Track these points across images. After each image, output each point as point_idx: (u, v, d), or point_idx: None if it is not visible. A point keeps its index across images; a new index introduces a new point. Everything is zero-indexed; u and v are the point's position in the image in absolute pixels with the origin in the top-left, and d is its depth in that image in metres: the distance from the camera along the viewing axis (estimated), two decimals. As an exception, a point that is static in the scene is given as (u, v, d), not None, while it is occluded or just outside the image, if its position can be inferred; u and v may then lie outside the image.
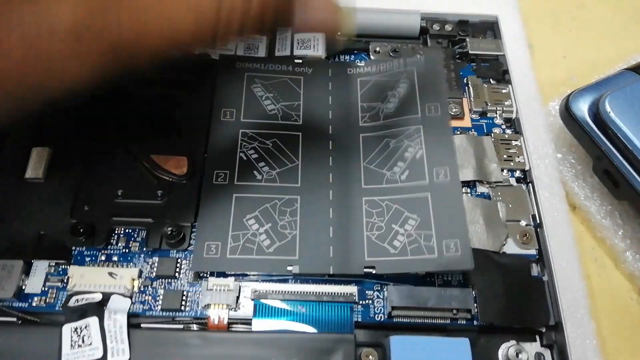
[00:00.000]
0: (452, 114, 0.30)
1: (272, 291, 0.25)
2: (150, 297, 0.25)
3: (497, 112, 0.31)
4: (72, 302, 0.24)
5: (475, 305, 0.25)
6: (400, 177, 0.27)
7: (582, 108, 0.29)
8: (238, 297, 0.25)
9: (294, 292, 0.25)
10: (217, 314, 0.24)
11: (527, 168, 0.29)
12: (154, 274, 0.25)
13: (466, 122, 0.31)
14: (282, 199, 0.26)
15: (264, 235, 0.25)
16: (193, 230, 0.26)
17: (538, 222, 0.28)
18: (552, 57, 0.37)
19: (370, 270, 0.25)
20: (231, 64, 0.31)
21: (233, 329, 0.25)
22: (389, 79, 0.30)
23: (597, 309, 0.28)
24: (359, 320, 0.25)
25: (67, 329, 0.23)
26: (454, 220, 0.25)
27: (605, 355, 0.26)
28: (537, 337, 0.26)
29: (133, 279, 0.25)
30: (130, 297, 0.25)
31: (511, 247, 0.27)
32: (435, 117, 0.28)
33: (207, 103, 0.29)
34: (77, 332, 0.23)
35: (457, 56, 0.33)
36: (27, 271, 0.25)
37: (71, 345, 0.23)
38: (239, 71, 0.30)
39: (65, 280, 0.25)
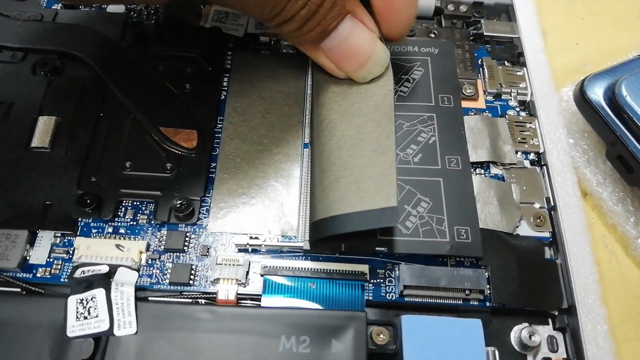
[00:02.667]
0: (467, 94, 0.30)
1: (282, 267, 0.24)
2: (158, 271, 0.24)
3: (512, 94, 0.30)
4: (78, 274, 0.24)
5: (488, 286, 0.25)
6: (413, 158, 0.27)
7: (597, 92, 0.29)
8: (247, 273, 0.24)
9: (305, 268, 0.25)
10: (226, 289, 0.24)
11: (541, 150, 0.29)
12: (162, 247, 0.25)
13: (480, 104, 0.30)
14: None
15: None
16: (202, 204, 0.25)
17: (552, 204, 0.27)
18: (564, 44, 0.37)
19: (383, 249, 0.25)
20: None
21: (242, 305, 0.24)
22: (402, 62, 0.30)
23: (608, 295, 0.28)
24: (370, 298, 0.24)
25: (72, 301, 0.23)
26: (465, 208, 0.26)
27: (615, 342, 0.26)
28: (550, 320, 0.25)
29: (141, 252, 0.25)
30: (138, 270, 0.24)
31: (525, 229, 0.27)
32: (449, 107, 0.29)
33: (217, 77, 0.29)
34: (83, 304, 0.23)
35: (472, 37, 0.33)
36: (32, 241, 0.25)
37: (77, 317, 0.22)
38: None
39: (70, 252, 0.25)
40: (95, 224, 0.25)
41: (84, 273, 0.24)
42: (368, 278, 0.25)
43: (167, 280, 0.24)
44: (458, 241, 0.25)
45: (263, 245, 0.25)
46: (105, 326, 0.22)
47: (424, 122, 0.28)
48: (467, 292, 0.24)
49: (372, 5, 0.25)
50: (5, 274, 0.24)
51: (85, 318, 0.22)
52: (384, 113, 0.24)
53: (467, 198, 0.26)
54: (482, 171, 0.28)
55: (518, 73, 0.31)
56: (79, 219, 0.25)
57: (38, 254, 0.25)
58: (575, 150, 0.31)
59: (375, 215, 0.21)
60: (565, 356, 0.25)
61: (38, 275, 0.24)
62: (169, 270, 0.24)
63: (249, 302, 0.24)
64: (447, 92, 0.29)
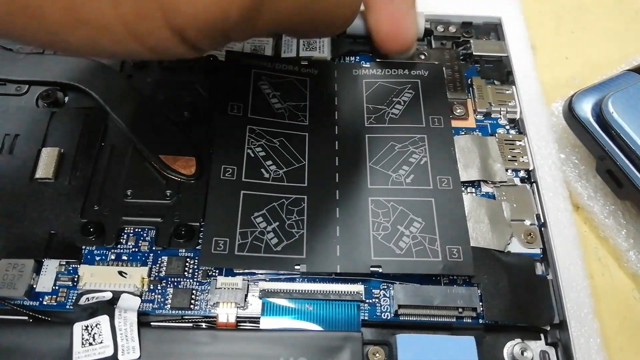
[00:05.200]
0: (457, 114, 0.31)
1: (280, 290, 0.25)
2: (159, 296, 0.25)
3: (501, 112, 0.31)
4: (82, 301, 0.24)
5: (480, 303, 0.25)
6: (405, 179, 0.28)
7: (585, 108, 0.30)
8: (246, 296, 0.25)
9: (302, 290, 0.25)
10: (226, 313, 0.25)
11: (531, 168, 0.29)
12: (163, 272, 0.26)
13: (470, 123, 0.31)
14: (289, 198, 0.27)
15: (271, 233, 0.26)
16: (201, 229, 0.26)
17: (542, 221, 0.28)
18: (554, 59, 0.38)
19: (377, 269, 0.25)
20: (238, 60, 0.31)
21: (241, 327, 0.25)
22: (393, 85, 0.31)
23: (601, 308, 0.28)
24: (366, 318, 0.25)
25: (77, 328, 0.23)
26: (457, 228, 0.26)
27: (609, 354, 0.26)
28: (542, 336, 0.26)
29: (143, 278, 0.25)
30: (140, 296, 0.25)
31: (516, 246, 0.27)
32: (439, 128, 0.29)
33: (215, 104, 0.30)
34: (87, 331, 0.23)
35: (461, 57, 0.33)
36: (37, 270, 0.26)
37: (82, 343, 0.23)
38: (245, 67, 0.31)
39: (75, 279, 0.25)
40: (98, 252, 0.26)
41: (88, 300, 0.24)
42: (363, 298, 0.25)
43: (169, 305, 0.25)
44: (450, 260, 0.25)
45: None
46: (109, 352, 0.23)
47: (416, 143, 0.29)
48: (460, 310, 0.25)
49: (378, 30, 0.26)
50: (12, 302, 0.25)
51: (91, 344, 0.23)
52: None
53: (458, 217, 0.27)
54: (473, 190, 0.29)
55: (507, 92, 0.32)
56: (83, 247, 0.26)
57: (44, 282, 0.25)
58: (566, 165, 0.32)
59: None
60: (557, 371, 0.25)
61: (44, 302, 0.25)
62: (170, 295, 0.25)
63: (248, 324, 0.25)
64: (437, 113, 0.30)
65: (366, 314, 0.25)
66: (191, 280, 0.26)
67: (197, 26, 0.16)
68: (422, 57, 0.32)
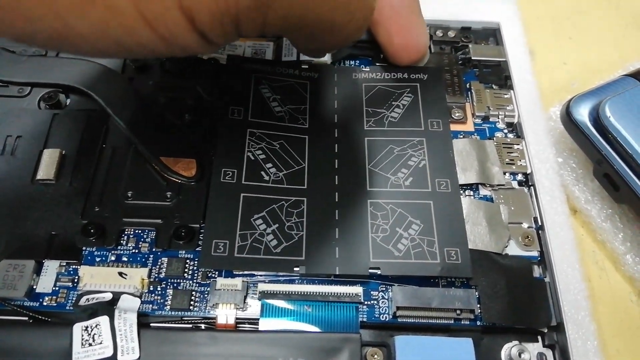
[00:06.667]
0: (455, 118, 0.31)
1: (279, 291, 0.25)
2: (159, 297, 0.25)
3: (499, 116, 0.31)
4: (82, 302, 0.25)
5: (478, 305, 0.25)
6: (404, 182, 0.28)
7: (582, 113, 0.30)
8: (245, 297, 0.25)
9: (301, 292, 0.25)
10: (225, 314, 0.25)
11: (528, 171, 0.29)
12: (163, 274, 0.26)
13: (469, 126, 0.31)
14: (289, 201, 0.27)
15: (271, 235, 0.26)
16: (201, 231, 0.26)
17: (539, 224, 0.28)
18: (552, 64, 0.38)
19: (376, 271, 0.25)
20: (238, 64, 0.31)
21: (240, 329, 0.25)
22: (393, 89, 0.31)
23: (598, 311, 0.28)
24: (365, 320, 0.25)
25: (77, 328, 0.24)
26: (455, 230, 0.26)
27: (606, 357, 0.26)
28: (539, 338, 0.26)
29: (143, 279, 0.25)
30: (140, 297, 0.25)
31: (513, 249, 0.27)
32: (438, 131, 0.30)
33: (215, 107, 0.30)
34: (87, 331, 0.24)
35: (460, 62, 0.34)
36: (38, 271, 0.26)
37: (82, 343, 0.23)
38: (246, 72, 0.31)
39: (75, 280, 0.26)
40: (98, 253, 0.26)
41: (88, 301, 0.25)
42: (362, 300, 0.26)
43: (168, 306, 0.25)
44: (448, 262, 0.26)
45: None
46: (109, 352, 0.23)
47: (414, 146, 0.29)
48: (458, 311, 0.25)
49: (390, 44, 0.26)
50: (12, 302, 0.25)
51: (90, 345, 0.23)
52: None
53: (456, 220, 0.27)
54: (471, 193, 0.29)
55: (505, 96, 0.32)
56: (83, 248, 0.26)
57: (44, 283, 0.26)
58: (563, 169, 0.32)
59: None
60: (554, 373, 0.25)
61: (44, 303, 0.25)
62: (170, 297, 0.25)
63: (247, 325, 0.25)
64: (436, 116, 0.30)
65: (365, 316, 0.25)
66: (191, 282, 0.26)
67: (208, 8, 0.16)
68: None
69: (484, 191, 0.29)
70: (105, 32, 0.15)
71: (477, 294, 0.26)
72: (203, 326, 0.25)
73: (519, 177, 0.30)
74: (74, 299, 0.25)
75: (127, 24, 0.15)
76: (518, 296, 0.26)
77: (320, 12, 0.19)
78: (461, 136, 0.31)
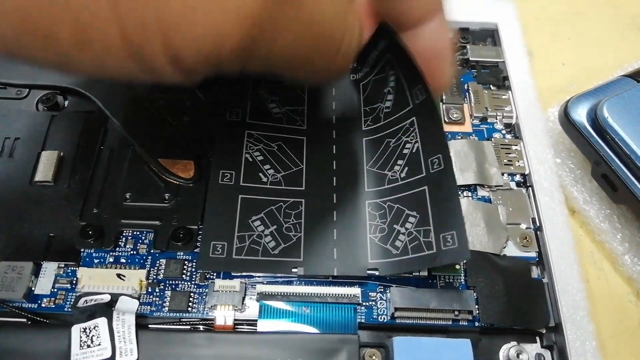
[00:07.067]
0: (453, 119, 0.31)
1: (277, 293, 0.25)
2: (157, 299, 0.25)
3: (497, 117, 0.31)
4: (81, 303, 0.25)
5: (476, 306, 0.25)
6: (400, 175, 0.28)
7: (580, 114, 0.30)
8: (244, 299, 0.25)
9: (299, 293, 0.25)
10: (223, 315, 0.25)
11: (526, 172, 0.29)
12: (162, 275, 0.26)
13: (467, 127, 0.31)
14: (287, 202, 0.27)
15: (269, 237, 0.26)
16: (199, 232, 0.26)
17: (538, 225, 0.28)
18: (551, 65, 0.38)
19: (374, 272, 0.25)
20: None
21: (239, 330, 0.25)
22: (383, 75, 0.31)
23: (597, 311, 0.28)
24: (363, 321, 0.25)
25: (76, 330, 0.24)
26: (451, 211, 0.25)
27: (605, 357, 0.26)
28: (537, 339, 0.26)
29: (141, 281, 0.25)
30: (138, 298, 0.25)
31: (511, 250, 0.27)
32: (422, 101, 0.27)
33: (213, 109, 0.30)
34: (86, 333, 0.24)
35: (458, 63, 0.34)
36: (36, 272, 0.26)
37: (80, 345, 0.23)
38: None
39: (74, 282, 0.26)
40: (97, 254, 0.26)
41: (86, 302, 0.25)
42: (360, 301, 0.26)
43: (167, 308, 0.25)
44: (445, 249, 0.24)
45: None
46: (107, 354, 0.23)
47: (407, 131, 0.28)
48: (456, 312, 0.25)
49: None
50: (11, 304, 0.25)
51: (89, 346, 0.23)
52: None
53: (451, 200, 0.25)
54: (470, 194, 0.29)
55: (503, 97, 0.32)
56: (82, 250, 0.26)
57: (43, 285, 0.26)
58: (562, 169, 0.32)
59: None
60: (553, 374, 0.25)
61: (43, 305, 0.25)
62: (168, 298, 0.25)
63: (245, 327, 0.25)
64: (416, 83, 0.27)
65: (363, 317, 0.25)
66: (189, 283, 0.26)
67: (193, 53, 0.17)
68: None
69: (482, 192, 0.29)
70: (101, 66, 0.17)
71: (475, 295, 0.26)
72: (201, 327, 0.25)
73: (517, 178, 0.30)
74: (73, 300, 0.25)
75: (119, 60, 0.17)
76: (516, 297, 0.26)
77: (301, 59, 0.20)
78: (459, 137, 0.31)
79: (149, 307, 0.25)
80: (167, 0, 0.16)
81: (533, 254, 0.27)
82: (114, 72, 0.18)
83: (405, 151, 0.28)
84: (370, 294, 0.26)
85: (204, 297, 0.25)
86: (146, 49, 0.16)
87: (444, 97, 0.32)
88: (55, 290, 0.25)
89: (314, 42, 0.20)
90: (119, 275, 0.26)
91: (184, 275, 0.26)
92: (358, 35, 0.22)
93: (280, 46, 0.19)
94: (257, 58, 0.19)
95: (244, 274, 0.26)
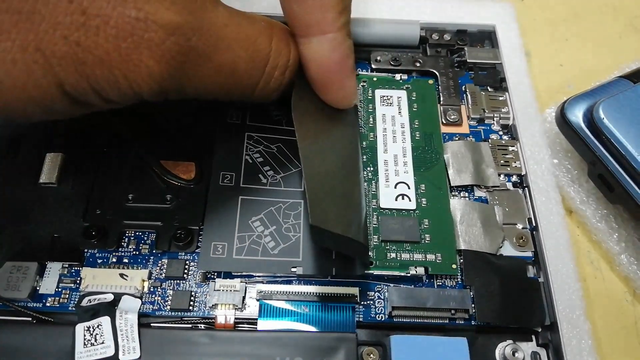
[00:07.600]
0: (451, 120, 0.31)
1: (277, 292, 0.26)
2: (159, 298, 0.26)
3: (495, 118, 0.32)
4: (84, 302, 0.25)
5: (472, 305, 0.26)
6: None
7: (577, 114, 0.30)
8: (244, 298, 0.26)
9: (298, 292, 0.26)
10: (224, 314, 0.25)
11: (523, 173, 0.30)
12: (163, 275, 0.26)
13: (464, 129, 0.31)
14: (286, 203, 0.27)
15: (269, 237, 0.26)
16: (201, 233, 0.27)
17: (534, 225, 0.28)
18: (549, 65, 0.38)
19: (372, 272, 0.26)
20: None
21: (239, 328, 0.26)
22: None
23: (593, 310, 0.29)
24: (361, 320, 0.26)
25: (80, 328, 0.24)
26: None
27: (601, 356, 0.27)
28: (533, 337, 0.26)
29: (143, 280, 0.26)
30: (141, 298, 0.26)
31: (508, 250, 0.28)
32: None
33: (214, 111, 0.30)
34: (89, 331, 0.24)
35: (456, 64, 0.34)
36: (41, 272, 0.26)
37: (84, 343, 0.24)
38: None
39: (77, 281, 0.26)
40: (100, 255, 0.27)
41: (90, 302, 0.25)
42: (358, 300, 0.26)
43: (169, 307, 0.26)
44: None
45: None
46: (110, 352, 0.24)
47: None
48: (452, 311, 0.26)
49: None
50: (16, 304, 0.25)
51: (92, 345, 0.24)
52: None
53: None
54: (466, 194, 0.29)
55: (500, 98, 0.32)
56: (85, 250, 0.27)
57: (47, 284, 0.26)
58: (558, 170, 0.33)
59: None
60: (548, 372, 0.26)
61: (47, 304, 0.26)
62: (170, 297, 0.26)
63: (246, 325, 0.26)
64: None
65: (361, 316, 0.26)
66: (190, 283, 0.26)
67: (113, 97, 0.22)
68: (417, 64, 0.33)
69: (479, 192, 0.29)
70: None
71: (471, 294, 0.26)
72: (202, 326, 0.25)
73: (514, 178, 0.30)
74: (76, 300, 0.26)
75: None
76: (512, 296, 0.26)
77: (221, 96, 0.24)
78: (456, 138, 0.31)
79: (151, 306, 0.26)
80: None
81: (529, 254, 0.28)
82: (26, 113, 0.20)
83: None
84: (368, 293, 0.26)
85: (205, 296, 0.26)
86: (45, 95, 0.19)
87: (441, 99, 0.32)
88: (60, 289, 0.26)
89: (229, 84, 0.23)
90: (121, 275, 0.26)
91: (185, 275, 0.26)
92: (286, 62, 0.24)
93: (195, 88, 0.22)
94: (179, 93, 0.22)
95: (244, 273, 0.26)
